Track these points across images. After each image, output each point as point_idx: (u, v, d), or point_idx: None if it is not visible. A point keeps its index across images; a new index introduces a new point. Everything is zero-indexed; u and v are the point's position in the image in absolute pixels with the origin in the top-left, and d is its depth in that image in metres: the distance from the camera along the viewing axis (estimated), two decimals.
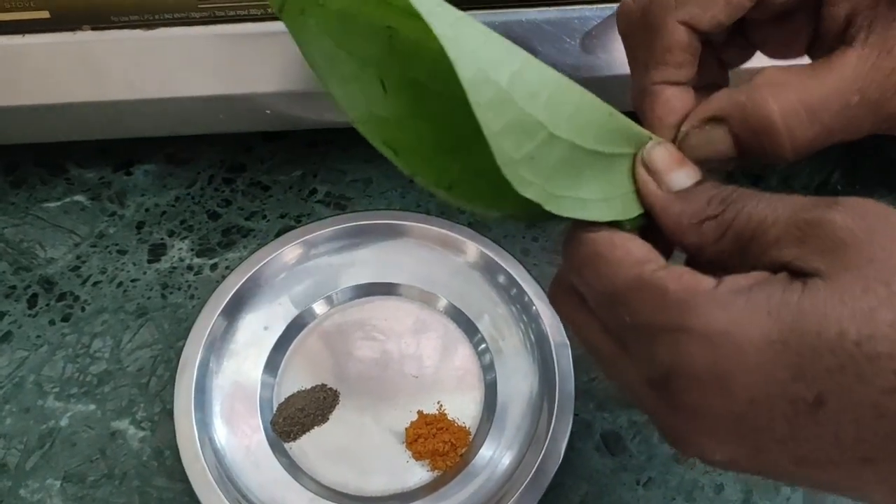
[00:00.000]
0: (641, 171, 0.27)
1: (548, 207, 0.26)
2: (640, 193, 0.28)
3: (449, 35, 0.22)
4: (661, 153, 0.27)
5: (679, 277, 0.24)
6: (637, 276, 0.25)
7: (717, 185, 0.27)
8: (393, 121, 0.29)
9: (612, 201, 0.27)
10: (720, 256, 0.26)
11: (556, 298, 0.30)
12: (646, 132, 0.28)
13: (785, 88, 0.27)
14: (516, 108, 0.24)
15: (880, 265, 0.22)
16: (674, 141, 0.29)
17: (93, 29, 0.44)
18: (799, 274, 0.24)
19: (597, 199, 0.27)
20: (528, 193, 0.25)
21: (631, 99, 0.31)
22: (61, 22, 0.43)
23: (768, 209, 0.25)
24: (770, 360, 0.23)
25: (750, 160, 0.28)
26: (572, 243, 0.28)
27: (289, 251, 0.49)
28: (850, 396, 0.22)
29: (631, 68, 0.31)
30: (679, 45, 0.28)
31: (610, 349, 0.28)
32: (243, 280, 0.48)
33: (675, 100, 0.29)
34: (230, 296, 0.47)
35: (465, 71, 0.22)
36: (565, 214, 0.26)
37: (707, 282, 0.24)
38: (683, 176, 0.27)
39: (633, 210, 0.28)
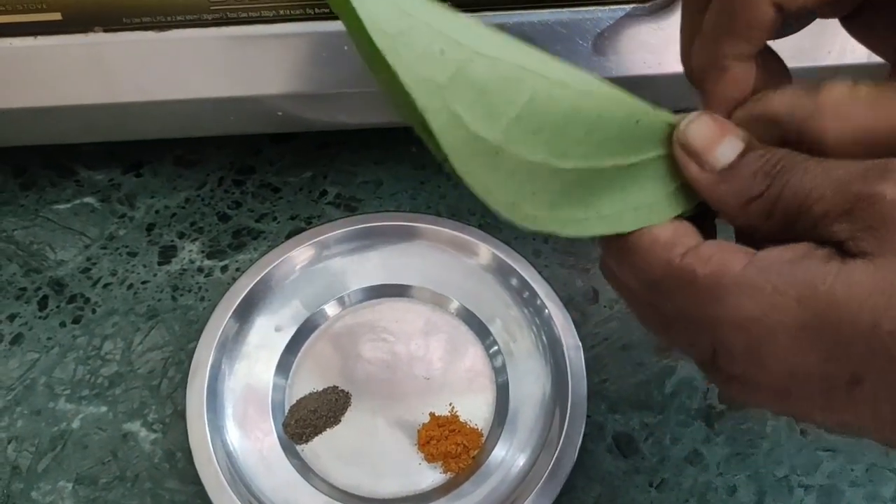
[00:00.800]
0: (681, 154, 0.26)
1: (565, 233, 0.25)
2: (684, 176, 0.26)
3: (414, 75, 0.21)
4: (697, 130, 0.25)
5: (708, 260, 0.24)
6: (667, 262, 0.25)
7: (763, 153, 0.25)
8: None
9: (644, 209, 0.26)
10: (773, 234, 0.24)
11: (606, 268, 0.29)
12: (677, 120, 0.26)
13: (849, 120, 0.25)
14: (511, 158, 0.23)
15: None
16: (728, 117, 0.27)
17: (104, 31, 0.44)
18: (848, 252, 0.23)
19: (625, 209, 0.26)
20: (538, 228, 0.24)
21: (683, 62, 0.30)
22: (73, 24, 0.43)
23: (815, 180, 0.23)
24: (801, 343, 0.23)
25: None
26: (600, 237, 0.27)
27: (300, 253, 0.49)
28: (886, 378, 0.22)
29: (688, 31, 0.29)
30: (764, 24, 0.27)
31: (660, 323, 0.28)
32: (254, 282, 0.47)
33: (742, 77, 0.27)
34: (241, 298, 0.47)
35: (447, 141, 0.21)
36: (588, 234, 0.25)
37: (736, 261, 0.23)
38: (726, 150, 0.25)
39: (668, 213, 0.26)
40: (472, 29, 0.22)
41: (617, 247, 0.26)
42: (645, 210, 0.26)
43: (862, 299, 0.22)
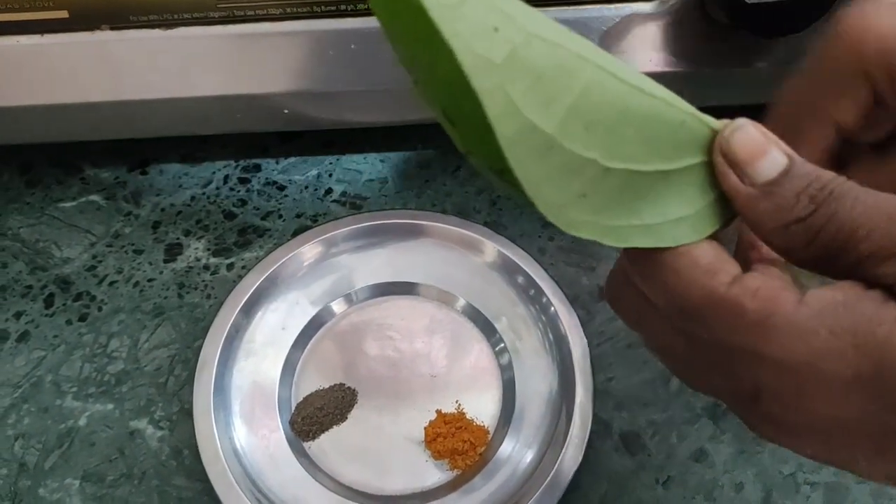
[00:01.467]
0: (721, 163, 0.24)
1: (606, 242, 0.23)
2: (722, 187, 0.24)
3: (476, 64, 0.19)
4: (741, 139, 0.23)
5: (755, 294, 0.22)
6: (709, 291, 0.23)
7: (810, 174, 0.23)
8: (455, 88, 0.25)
9: (682, 222, 0.24)
10: (810, 262, 0.23)
11: (616, 297, 0.28)
12: (721, 126, 0.25)
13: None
14: (563, 152, 0.21)
15: None
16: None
17: (111, 28, 0.44)
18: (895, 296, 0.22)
19: (664, 221, 0.24)
20: (581, 233, 0.23)
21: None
22: (80, 21, 0.43)
23: (864, 215, 0.22)
24: (855, 390, 0.21)
25: None
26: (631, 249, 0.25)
27: (306, 251, 0.49)
28: None
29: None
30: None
31: (684, 352, 0.26)
32: (261, 279, 0.48)
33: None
34: (248, 295, 0.47)
35: (502, 128, 0.20)
36: (628, 245, 0.24)
37: (787, 300, 0.22)
38: (770, 164, 0.23)
39: (711, 225, 0.25)
40: (526, 10, 0.21)
41: (651, 264, 0.24)
42: (685, 223, 0.24)
43: None
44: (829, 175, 0.23)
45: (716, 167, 0.24)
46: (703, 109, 0.25)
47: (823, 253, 0.23)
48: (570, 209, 0.22)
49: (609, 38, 0.45)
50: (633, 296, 0.26)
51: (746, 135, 0.24)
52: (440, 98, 0.23)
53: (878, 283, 0.22)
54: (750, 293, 0.22)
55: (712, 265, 0.23)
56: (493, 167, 0.23)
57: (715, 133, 0.24)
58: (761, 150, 0.23)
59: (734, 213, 0.25)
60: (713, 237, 0.25)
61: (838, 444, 0.23)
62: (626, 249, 0.25)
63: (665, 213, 0.24)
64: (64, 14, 0.43)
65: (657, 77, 0.24)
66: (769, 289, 0.22)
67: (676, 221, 0.24)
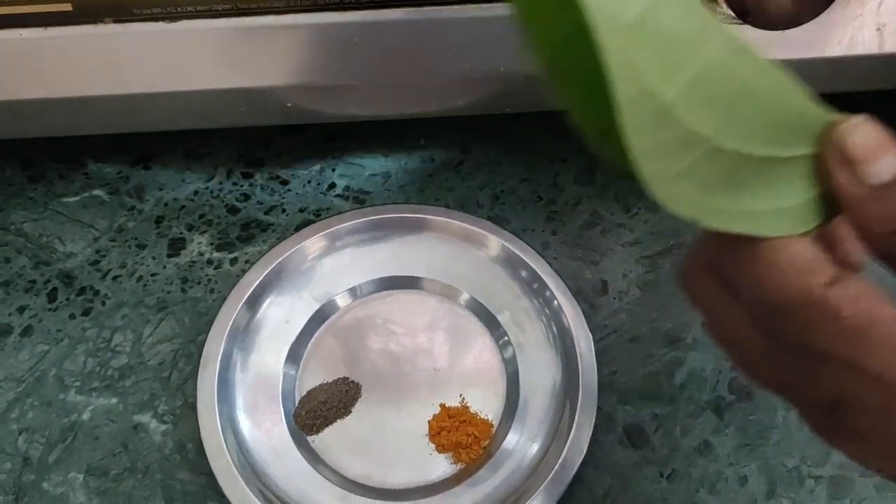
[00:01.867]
0: (834, 158, 0.22)
1: (706, 223, 0.23)
2: (829, 182, 0.23)
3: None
4: (860, 137, 0.22)
5: (855, 300, 0.21)
6: (805, 290, 0.22)
7: None
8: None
9: (784, 213, 0.23)
10: None
11: (692, 283, 0.26)
12: (838, 119, 0.23)
13: None
14: (678, 124, 0.21)
15: None
16: None
17: (115, 21, 0.43)
18: None
19: (766, 210, 0.23)
20: (682, 211, 0.22)
21: None
22: (83, 14, 0.43)
23: None
24: None
25: None
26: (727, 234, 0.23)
27: (309, 245, 0.49)
28: None
29: None
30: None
31: (760, 348, 0.25)
32: (264, 274, 0.48)
33: None
34: (251, 289, 0.47)
35: (622, 90, 0.19)
36: (726, 229, 0.23)
37: (888, 311, 0.21)
38: (885, 166, 0.22)
39: (810, 220, 0.24)
40: None
41: (747, 253, 0.23)
42: (787, 215, 0.23)
43: None
44: None
45: (828, 160, 0.23)
46: None
47: None
48: (673, 184, 0.21)
49: None
50: (712, 282, 0.25)
51: (865, 133, 0.22)
52: (552, 50, 0.22)
53: None
54: (849, 299, 0.22)
55: (812, 263, 0.22)
56: (598, 128, 0.23)
57: (829, 125, 0.23)
58: (879, 150, 0.22)
59: (836, 211, 0.24)
60: (809, 233, 0.24)
61: None
62: (719, 234, 0.24)
63: (770, 201, 0.23)
64: (67, 7, 0.43)
65: None
66: (869, 298, 0.22)
67: (779, 212, 0.23)
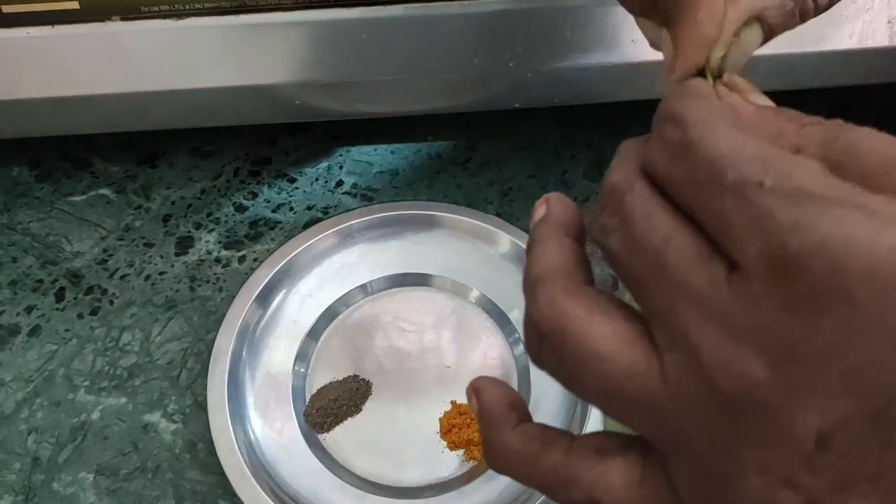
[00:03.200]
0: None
1: None
2: None
3: None
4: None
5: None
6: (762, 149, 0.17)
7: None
8: None
9: None
10: None
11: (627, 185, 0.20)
12: None
13: None
14: None
15: None
16: (702, 69, 0.23)
17: (122, 19, 0.43)
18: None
19: None
20: None
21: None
22: (91, 12, 0.43)
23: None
24: None
25: None
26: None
27: (318, 243, 0.49)
28: None
29: None
30: None
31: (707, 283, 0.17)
32: (273, 272, 0.47)
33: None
34: (260, 288, 0.47)
35: None
36: None
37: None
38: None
39: None
40: None
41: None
42: None
43: None
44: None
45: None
46: None
47: None
48: None
49: (614, 27, 0.44)
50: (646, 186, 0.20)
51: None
52: None
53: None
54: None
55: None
56: None
57: None
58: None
59: None
60: None
61: None
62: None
63: None
64: (75, 5, 0.43)
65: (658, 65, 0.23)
66: None
67: None
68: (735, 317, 0.16)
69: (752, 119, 0.19)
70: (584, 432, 0.42)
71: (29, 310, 0.50)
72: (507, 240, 0.48)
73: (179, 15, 0.43)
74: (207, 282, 0.50)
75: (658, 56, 0.36)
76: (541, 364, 0.21)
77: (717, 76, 0.23)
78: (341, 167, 0.55)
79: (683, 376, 0.17)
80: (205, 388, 0.44)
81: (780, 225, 0.16)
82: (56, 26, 0.43)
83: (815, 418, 0.16)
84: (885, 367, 0.15)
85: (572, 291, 0.20)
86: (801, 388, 0.16)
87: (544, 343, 0.20)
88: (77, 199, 0.54)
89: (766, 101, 0.20)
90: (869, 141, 0.17)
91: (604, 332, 0.19)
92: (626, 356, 0.19)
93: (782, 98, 0.27)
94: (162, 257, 0.51)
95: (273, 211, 0.53)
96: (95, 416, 0.46)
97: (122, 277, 0.51)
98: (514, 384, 0.46)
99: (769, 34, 0.23)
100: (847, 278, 0.15)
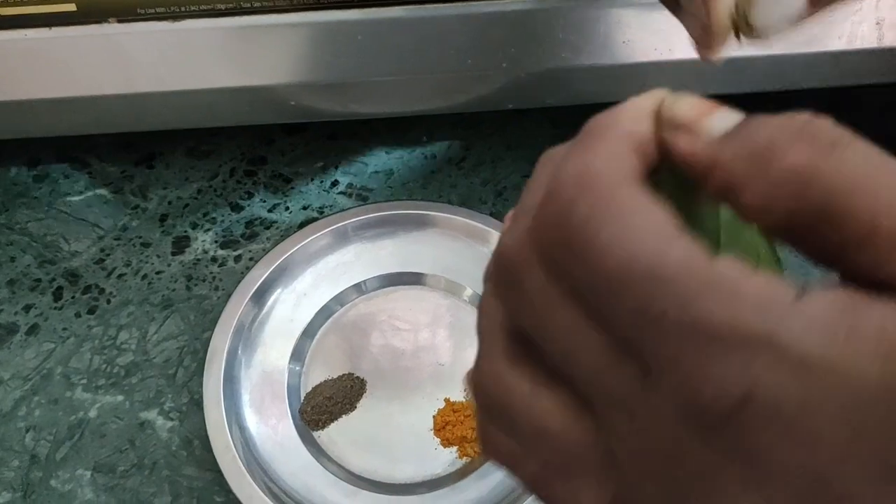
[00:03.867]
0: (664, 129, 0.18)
1: None
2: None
3: None
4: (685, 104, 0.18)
5: (750, 276, 0.15)
6: (684, 256, 0.15)
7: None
8: None
9: None
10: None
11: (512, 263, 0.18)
12: None
13: None
14: None
15: None
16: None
17: (119, 21, 0.44)
18: None
19: None
20: None
21: None
22: (88, 14, 0.43)
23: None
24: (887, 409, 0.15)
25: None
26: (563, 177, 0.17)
27: (313, 242, 0.49)
28: None
29: None
30: None
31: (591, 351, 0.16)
32: (269, 271, 0.48)
33: None
34: (256, 286, 0.47)
35: None
36: None
37: (784, 289, 0.15)
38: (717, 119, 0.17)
39: None
40: None
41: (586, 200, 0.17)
42: None
43: None
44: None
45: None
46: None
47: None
48: None
49: (615, 27, 0.45)
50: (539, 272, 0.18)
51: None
52: None
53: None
54: (730, 267, 0.16)
55: (672, 224, 0.16)
56: None
57: None
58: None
59: None
60: None
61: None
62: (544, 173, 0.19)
63: None
64: (72, 7, 0.43)
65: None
66: (751, 270, 0.16)
67: None
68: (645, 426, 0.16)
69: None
70: None
71: (27, 309, 0.50)
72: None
73: (175, 17, 0.44)
74: (204, 281, 0.51)
75: (647, 57, 0.37)
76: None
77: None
78: (336, 167, 0.55)
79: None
80: (201, 386, 0.45)
81: (689, 375, 0.15)
82: (53, 28, 0.44)
83: None
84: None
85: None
86: None
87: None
88: (75, 199, 0.54)
89: (729, 120, 0.17)
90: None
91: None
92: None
93: (776, 99, 0.27)
94: (159, 257, 0.52)
95: (269, 211, 0.53)
96: (93, 413, 0.46)
97: (120, 277, 0.51)
98: None
99: None
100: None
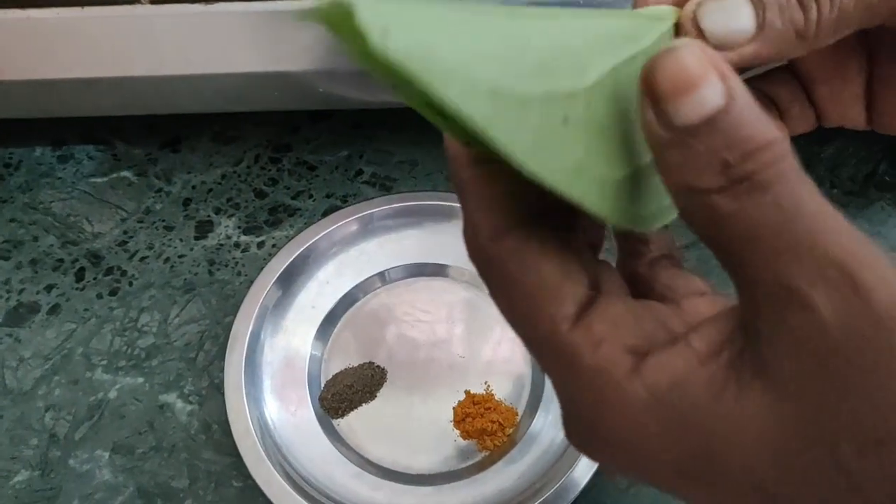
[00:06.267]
0: (643, 92, 0.18)
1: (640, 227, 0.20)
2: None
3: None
4: (669, 66, 0.17)
5: (596, 347, 0.19)
6: (550, 329, 0.19)
7: (741, 128, 0.16)
8: None
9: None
10: (710, 244, 0.18)
11: (475, 254, 0.21)
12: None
13: None
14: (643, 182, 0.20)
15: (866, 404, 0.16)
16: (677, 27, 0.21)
17: (151, 2, 0.44)
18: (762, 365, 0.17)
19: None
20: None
21: None
22: None
23: (776, 233, 0.16)
24: (674, 477, 0.19)
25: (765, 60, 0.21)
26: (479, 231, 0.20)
27: (337, 230, 0.49)
28: None
29: None
30: None
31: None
32: (292, 258, 0.48)
33: None
34: (279, 273, 0.47)
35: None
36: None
37: (621, 365, 0.18)
38: (693, 104, 0.17)
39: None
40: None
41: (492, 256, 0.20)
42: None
43: (743, 460, 0.18)
44: (761, 139, 0.16)
45: (639, 87, 0.18)
46: None
47: (719, 247, 0.18)
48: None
49: None
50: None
51: (676, 61, 0.17)
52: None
53: (747, 323, 0.18)
54: (591, 344, 0.19)
55: (558, 291, 0.19)
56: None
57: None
58: (689, 83, 0.17)
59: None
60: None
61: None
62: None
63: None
64: None
65: None
66: (612, 342, 0.19)
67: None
68: None
69: None
70: None
71: (49, 288, 0.50)
72: None
73: (208, 0, 0.44)
74: (226, 266, 0.51)
75: None
76: None
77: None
78: (361, 156, 0.55)
79: None
80: (221, 371, 0.45)
81: None
82: (86, 7, 0.44)
83: None
84: None
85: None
86: None
87: None
88: (99, 180, 0.54)
89: (707, 102, 0.17)
90: None
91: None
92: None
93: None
94: (181, 240, 0.52)
95: (293, 198, 0.53)
96: (112, 395, 0.47)
97: (142, 259, 0.51)
98: (528, 377, 0.46)
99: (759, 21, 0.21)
100: None
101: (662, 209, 0.21)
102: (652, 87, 0.17)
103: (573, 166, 0.17)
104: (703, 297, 0.21)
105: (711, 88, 0.16)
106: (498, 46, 0.16)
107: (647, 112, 0.17)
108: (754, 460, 0.17)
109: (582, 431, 0.20)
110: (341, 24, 0.14)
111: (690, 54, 0.17)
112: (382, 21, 0.14)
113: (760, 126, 0.16)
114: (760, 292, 0.17)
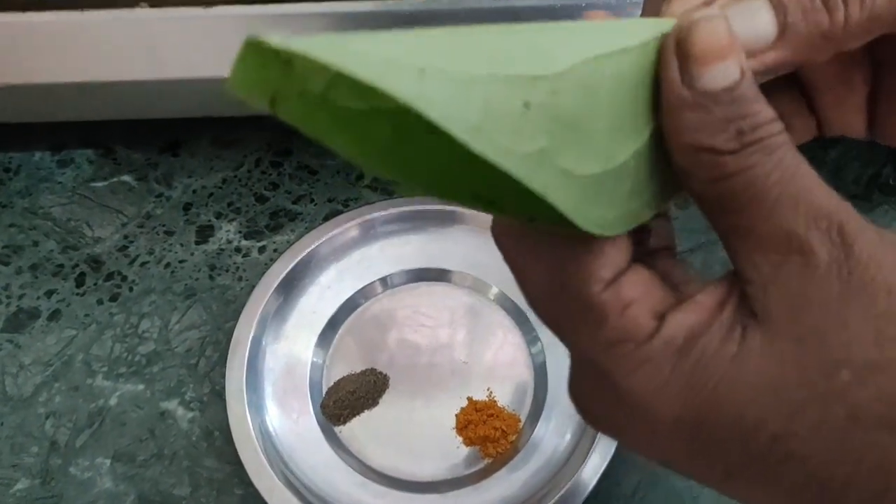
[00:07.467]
0: (670, 48, 0.19)
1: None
2: (660, 73, 0.20)
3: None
4: (707, 32, 0.19)
5: (623, 310, 0.20)
6: (583, 288, 0.20)
7: (751, 103, 0.19)
8: None
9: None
10: (704, 202, 0.20)
11: (502, 239, 0.24)
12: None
13: None
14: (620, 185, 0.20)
15: (834, 341, 0.19)
16: None
17: (151, 5, 0.43)
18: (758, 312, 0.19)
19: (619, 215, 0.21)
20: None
21: None
22: None
23: (776, 190, 0.19)
24: (675, 436, 0.20)
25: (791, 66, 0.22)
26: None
27: (338, 235, 0.49)
28: (759, 476, 0.20)
29: None
30: None
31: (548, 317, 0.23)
32: (293, 263, 0.47)
33: None
34: (280, 278, 0.47)
35: (559, 198, 0.18)
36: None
37: (645, 327, 0.20)
38: (720, 73, 0.19)
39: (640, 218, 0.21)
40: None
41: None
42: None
43: (748, 399, 0.19)
44: (768, 115, 0.19)
45: (662, 53, 0.19)
46: None
47: (719, 203, 0.20)
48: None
49: None
50: (519, 246, 0.24)
51: (714, 30, 0.19)
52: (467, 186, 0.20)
53: (744, 277, 0.20)
54: (617, 307, 0.20)
55: (603, 251, 0.20)
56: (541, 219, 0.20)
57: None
58: (720, 53, 0.19)
59: (669, 192, 0.22)
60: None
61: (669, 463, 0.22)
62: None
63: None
64: None
65: None
66: (638, 307, 0.20)
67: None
68: None
69: None
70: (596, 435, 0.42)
71: (49, 294, 0.50)
72: None
73: (207, 3, 0.43)
74: (227, 271, 0.50)
75: None
76: None
77: None
78: None
79: None
80: (222, 377, 0.45)
81: None
82: (85, 11, 0.44)
83: None
84: None
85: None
86: None
87: None
88: (99, 185, 0.54)
89: (727, 75, 0.19)
90: None
91: None
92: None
93: None
94: (182, 245, 0.51)
95: (294, 202, 0.53)
96: (113, 401, 0.46)
97: (143, 264, 0.51)
98: (531, 383, 0.46)
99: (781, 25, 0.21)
100: None
101: (626, 215, 0.21)
102: (685, 47, 0.19)
103: (535, 153, 0.17)
104: (700, 283, 0.22)
105: (734, 61, 0.19)
106: (438, 45, 0.16)
107: (670, 71, 0.19)
108: (756, 400, 0.19)
109: (595, 394, 0.22)
110: (260, 69, 0.15)
111: (725, 27, 0.19)
112: (300, 44, 0.14)
113: (765, 104, 0.19)
114: (756, 239, 0.19)
